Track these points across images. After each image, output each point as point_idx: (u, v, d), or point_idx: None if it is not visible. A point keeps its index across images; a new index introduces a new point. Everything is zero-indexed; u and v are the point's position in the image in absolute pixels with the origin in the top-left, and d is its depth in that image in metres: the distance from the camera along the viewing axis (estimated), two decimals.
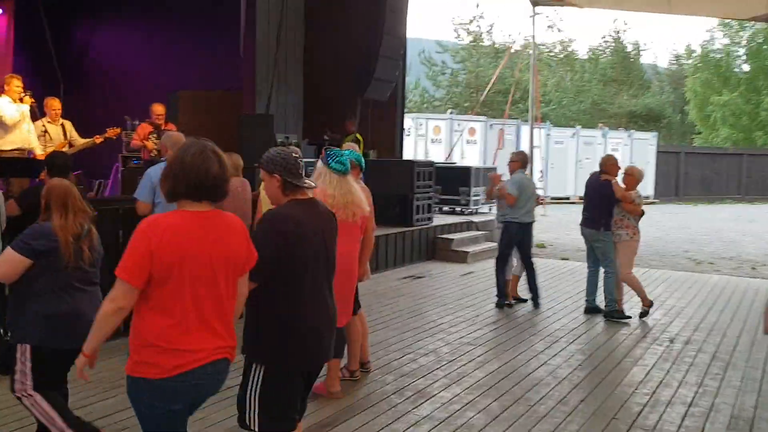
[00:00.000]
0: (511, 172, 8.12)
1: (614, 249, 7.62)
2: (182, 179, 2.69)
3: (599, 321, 7.59)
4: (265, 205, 6.33)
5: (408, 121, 22.30)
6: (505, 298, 8.07)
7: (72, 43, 13.21)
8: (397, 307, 7.97)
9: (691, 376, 5.80)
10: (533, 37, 15.34)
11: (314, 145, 11.18)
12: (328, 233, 3.35)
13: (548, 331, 7.14)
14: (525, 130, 23.45)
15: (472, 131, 23.82)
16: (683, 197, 28.93)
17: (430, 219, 11.87)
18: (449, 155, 21.69)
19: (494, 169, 15.00)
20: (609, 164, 7.78)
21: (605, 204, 7.62)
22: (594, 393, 5.33)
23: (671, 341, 6.88)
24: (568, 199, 24.31)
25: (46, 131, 8.05)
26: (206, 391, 2.84)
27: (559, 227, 16.08)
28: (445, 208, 14.44)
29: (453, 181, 14.24)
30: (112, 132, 8.53)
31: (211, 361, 2.74)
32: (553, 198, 22.94)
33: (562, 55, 43.67)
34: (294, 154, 3.23)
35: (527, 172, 8.56)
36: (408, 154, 20.93)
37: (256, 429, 3.14)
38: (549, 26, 44.51)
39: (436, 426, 4.57)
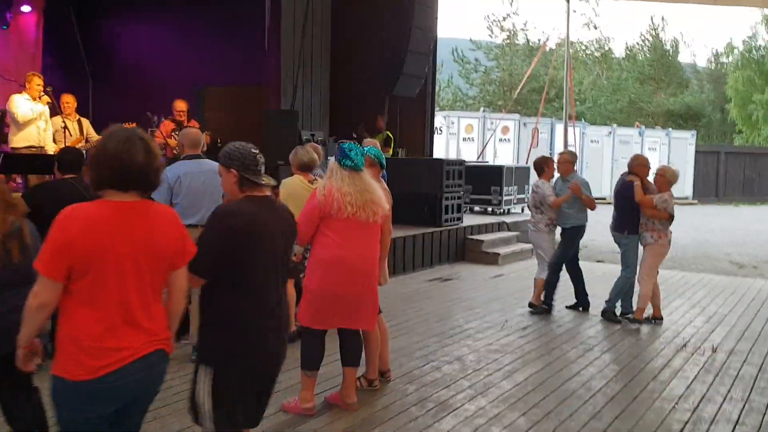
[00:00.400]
0: (565, 174, 7.75)
1: (643, 252, 7.25)
2: (105, 167, 2.58)
3: (635, 328, 7.18)
4: (285, 203, 6.08)
5: (439, 119, 21.97)
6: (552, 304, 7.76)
7: (100, 39, 13.16)
8: (423, 310, 7.66)
9: (736, 391, 5.38)
10: (567, 32, 14.92)
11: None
12: (283, 233, 3.23)
13: (581, 339, 6.76)
14: (559, 128, 23.01)
15: (505, 129, 23.40)
16: (723, 198, 28.14)
17: (459, 219, 11.52)
18: (481, 154, 21.29)
19: (527, 168, 14.60)
20: (635, 165, 7.38)
21: (628, 206, 7.24)
22: (630, 408, 4.95)
23: (714, 351, 6.44)
24: (603, 199, 23.66)
25: (66, 127, 8.01)
26: (141, 388, 2.68)
27: (593, 229, 15.55)
28: (476, 208, 14.08)
29: (484, 180, 13.89)
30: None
31: (140, 357, 2.59)
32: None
33: (598, 53, 42.91)
34: (253, 150, 3.18)
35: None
36: (439, 152, 20.61)
37: (209, 429, 3.08)
38: (585, 24, 43.78)
39: None
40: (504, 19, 41.13)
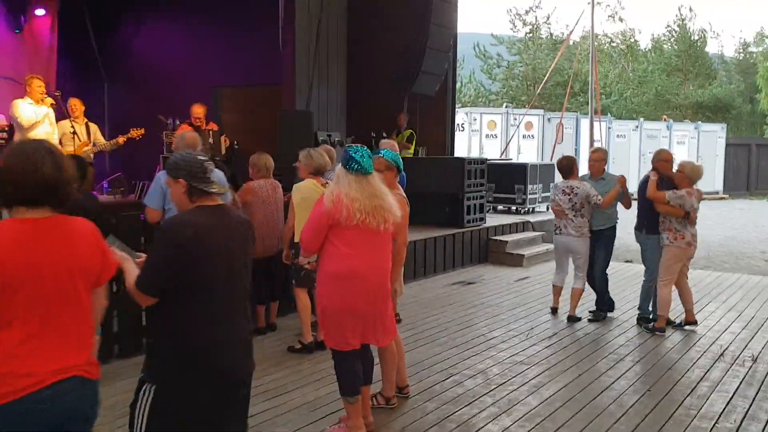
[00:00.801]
0: (599, 172, 7.39)
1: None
2: (10, 183, 2.42)
3: (669, 335, 6.81)
4: (299, 208, 5.81)
5: (461, 116, 21.59)
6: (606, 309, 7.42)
7: (115, 42, 13.01)
8: (444, 318, 7.35)
9: None
10: (592, 25, 14.49)
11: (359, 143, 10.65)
12: (238, 242, 3.01)
13: (611, 348, 6.40)
14: (584, 123, 22.50)
15: (528, 125, 22.93)
16: (755, 192, 27.45)
17: (482, 219, 11.18)
18: (505, 151, 20.88)
19: (552, 165, 14.19)
20: (656, 160, 6.97)
21: (646, 204, 6.87)
22: (666, 427, 4.60)
23: (754, 361, 6.05)
24: (631, 195, 23.23)
25: (74, 132, 7.86)
26: (56, 417, 2.42)
27: (620, 227, 15.13)
28: (500, 208, 13.72)
29: (508, 178, 13.55)
30: (135, 132, 8.32)
31: (51, 384, 2.38)
32: None
33: (623, 46, 42.15)
34: (200, 157, 3.01)
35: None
36: (461, 150, 20.23)
37: None
38: (610, 15, 43.05)
39: None
40: (527, 12, 40.63)
